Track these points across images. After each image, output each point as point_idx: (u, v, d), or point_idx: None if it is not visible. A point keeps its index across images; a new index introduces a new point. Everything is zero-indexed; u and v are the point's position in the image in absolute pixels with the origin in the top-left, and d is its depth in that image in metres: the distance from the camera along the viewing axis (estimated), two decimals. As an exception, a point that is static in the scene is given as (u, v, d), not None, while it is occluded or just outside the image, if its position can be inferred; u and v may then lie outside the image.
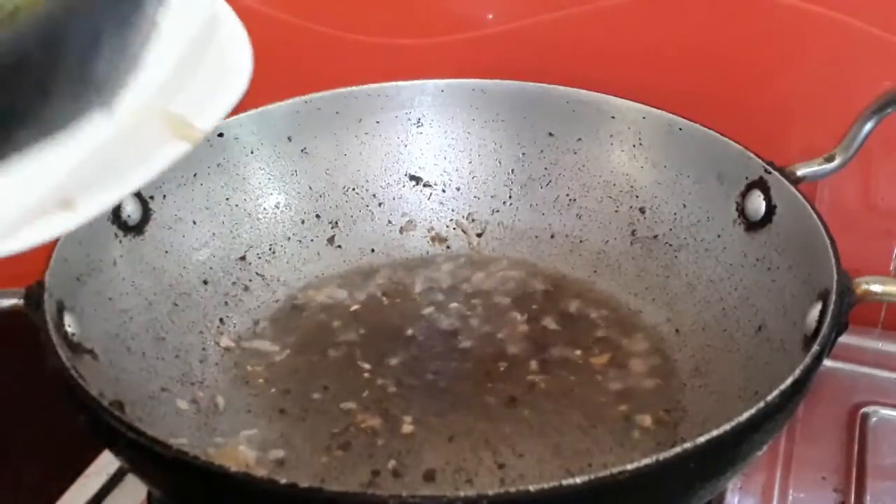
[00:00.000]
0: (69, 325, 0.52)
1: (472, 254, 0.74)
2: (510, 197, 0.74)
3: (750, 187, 0.62)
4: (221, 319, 0.66)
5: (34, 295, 0.50)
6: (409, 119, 0.74)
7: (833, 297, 0.50)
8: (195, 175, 0.67)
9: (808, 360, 0.46)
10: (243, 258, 0.69)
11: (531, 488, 0.39)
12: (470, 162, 0.75)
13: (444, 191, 0.75)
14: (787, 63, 0.71)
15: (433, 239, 0.75)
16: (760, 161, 0.61)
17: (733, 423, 0.42)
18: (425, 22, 0.80)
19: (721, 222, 0.65)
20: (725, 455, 0.44)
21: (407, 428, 0.58)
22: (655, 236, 0.69)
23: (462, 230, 0.75)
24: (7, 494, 0.64)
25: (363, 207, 0.74)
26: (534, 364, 0.63)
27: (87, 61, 0.34)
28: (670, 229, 0.68)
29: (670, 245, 0.68)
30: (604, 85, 0.70)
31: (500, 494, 0.39)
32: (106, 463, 0.63)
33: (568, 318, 0.67)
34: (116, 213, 0.60)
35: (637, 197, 0.70)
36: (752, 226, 0.62)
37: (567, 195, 0.73)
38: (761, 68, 0.72)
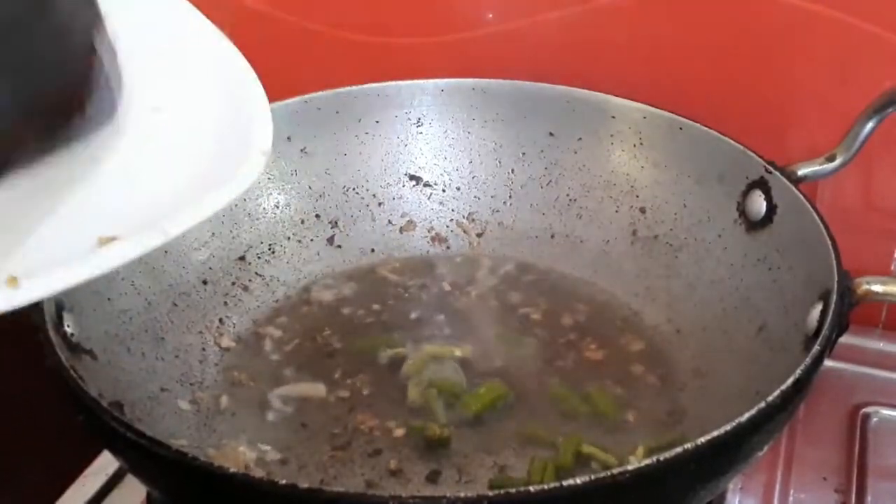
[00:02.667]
0: (68, 325, 0.51)
1: (472, 254, 0.74)
2: (510, 197, 0.74)
3: (751, 187, 0.62)
4: (221, 319, 0.66)
5: (33, 295, 0.50)
6: (409, 119, 0.74)
7: (834, 297, 0.50)
8: (195, 175, 0.67)
9: (808, 360, 0.46)
10: (243, 258, 0.69)
11: (531, 488, 0.39)
12: (470, 162, 0.75)
13: (444, 191, 0.75)
14: (787, 63, 0.71)
15: (433, 239, 0.75)
16: (761, 161, 0.61)
17: (734, 424, 0.42)
18: (425, 22, 0.80)
19: (722, 222, 0.65)
20: (726, 455, 0.44)
21: (408, 428, 0.58)
22: (656, 236, 0.69)
23: (462, 230, 0.75)
24: (7, 494, 0.64)
25: (363, 207, 0.74)
26: (533, 364, 0.63)
27: None
28: (671, 229, 0.68)
29: (671, 245, 0.68)
30: (604, 84, 0.70)
31: (500, 494, 0.39)
32: (106, 463, 0.63)
33: (568, 319, 0.67)
34: (116, 213, 0.60)
35: (637, 197, 0.70)
36: (753, 226, 0.62)
37: (567, 195, 0.73)
38: (762, 68, 0.72)
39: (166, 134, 0.43)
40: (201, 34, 0.46)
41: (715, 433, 0.41)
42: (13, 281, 0.34)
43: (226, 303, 0.67)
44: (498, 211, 0.74)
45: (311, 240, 0.72)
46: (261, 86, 0.44)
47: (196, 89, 0.45)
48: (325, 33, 0.81)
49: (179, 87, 0.45)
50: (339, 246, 0.73)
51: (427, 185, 0.75)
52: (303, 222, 0.72)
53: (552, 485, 0.39)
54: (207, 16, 0.47)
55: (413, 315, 0.68)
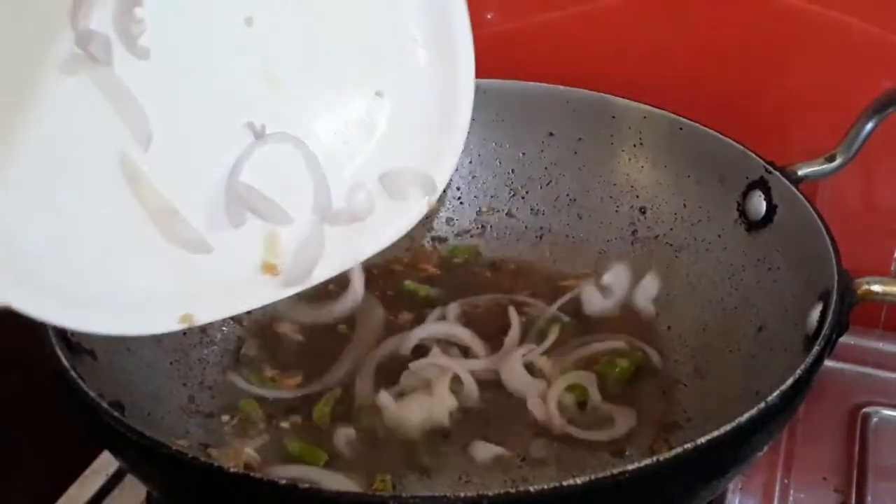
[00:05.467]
0: (68, 326, 0.51)
1: (472, 254, 0.74)
2: (510, 197, 0.74)
3: (751, 187, 0.62)
4: (221, 319, 0.66)
5: (34, 295, 0.50)
6: (409, 119, 0.74)
7: (834, 298, 0.50)
8: (195, 175, 0.67)
9: (808, 360, 0.46)
10: (243, 258, 0.69)
11: (531, 488, 0.39)
12: (470, 162, 0.75)
13: (444, 191, 0.75)
14: (787, 63, 0.71)
15: (433, 239, 0.75)
16: (761, 161, 0.61)
17: (734, 424, 0.42)
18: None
19: (722, 222, 0.65)
20: (726, 455, 0.44)
21: (407, 427, 0.58)
22: (656, 236, 0.69)
23: (462, 230, 0.75)
24: (7, 494, 0.64)
25: (363, 207, 0.73)
26: (534, 363, 0.63)
27: None
28: (671, 229, 0.68)
29: (671, 245, 0.68)
30: (604, 85, 0.70)
31: (500, 495, 0.39)
32: (106, 463, 0.63)
33: (567, 319, 0.67)
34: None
35: (637, 197, 0.70)
36: (753, 226, 0.62)
37: (567, 195, 0.73)
38: (762, 68, 0.72)
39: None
40: None
41: (715, 433, 0.41)
42: (187, 318, 0.42)
43: (226, 303, 0.67)
44: (498, 211, 0.74)
45: (311, 240, 0.72)
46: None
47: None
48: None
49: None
50: (339, 246, 0.73)
51: (427, 185, 0.75)
52: (303, 222, 0.72)
53: (552, 485, 0.39)
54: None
55: (414, 314, 0.67)
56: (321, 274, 0.48)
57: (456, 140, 0.51)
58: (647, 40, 0.74)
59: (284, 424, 0.59)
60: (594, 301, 0.68)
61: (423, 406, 0.59)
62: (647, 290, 0.68)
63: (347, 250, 0.49)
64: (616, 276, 0.69)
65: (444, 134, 0.51)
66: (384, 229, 0.50)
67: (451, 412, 0.59)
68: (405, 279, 0.71)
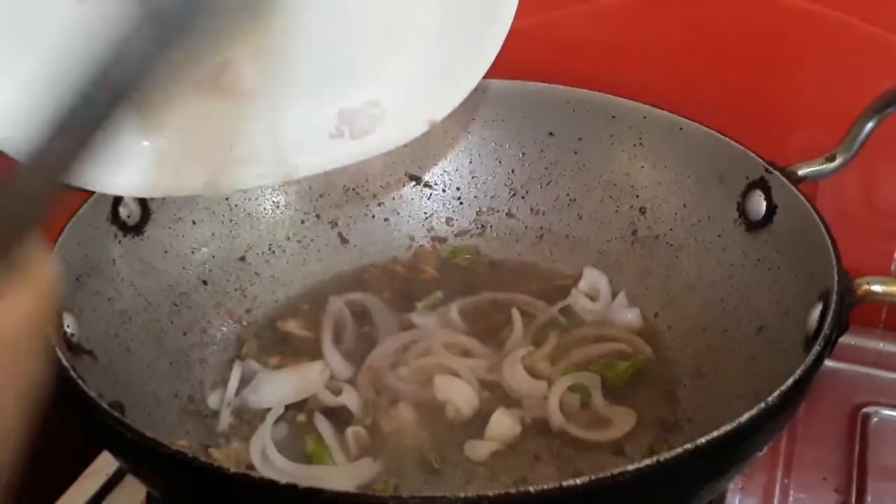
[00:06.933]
0: (68, 326, 0.52)
1: (472, 254, 0.74)
2: (510, 197, 0.74)
3: (751, 187, 0.62)
4: (221, 320, 0.66)
5: (34, 295, 0.50)
6: (409, 119, 0.74)
7: (834, 298, 0.50)
8: (195, 175, 0.67)
9: (808, 360, 0.46)
10: (243, 258, 0.69)
11: (531, 488, 0.39)
12: (470, 162, 0.75)
13: (444, 191, 0.75)
14: (788, 63, 0.71)
15: (433, 239, 0.75)
16: (761, 161, 0.61)
17: (734, 424, 0.42)
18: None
19: (722, 222, 0.65)
20: (726, 455, 0.44)
21: (407, 427, 0.58)
22: (656, 236, 0.69)
23: (462, 230, 0.75)
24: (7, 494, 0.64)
25: (363, 207, 0.74)
26: (535, 364, 0.63)
27: None
28: (671, 229, 0.68)
29: (671, 245, 0.68)
30: (604, 84, 0.70)
31: (500, 494, 0.39)
32: (106, 463, 0.63)
33: (567, 319, 0.67)
34: (115, 213, 0.60)
35: (637, 197, 0.70)
36: (753, 226, 0.62)
37: (567, 195, 0.73)
38: (763, 68, 0.72)
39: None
40: None
41: (715, 433, 0.41)
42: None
43: (226, 303, 0.67)
44: (498, 211, 0.74)
45: (311, 240, 0.72)
46: None
47: None
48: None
49: None
50: (340, 246, 0.73)
51: (427, 185, 0.75)
52: (303, 222, 0.72)
53: (552, 485, 0.39)
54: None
55: (414, 315, 0.68)
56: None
57: (478, 69, 0.52)
58: (646, 40, 0.74)
59: (285, 423, 0.59)
60: (586, 305, 0.68)
61: (423, 405, 0.59)
62: (623, 306, 0.68)
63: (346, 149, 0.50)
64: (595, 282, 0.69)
65: (468, 60, 0.52)
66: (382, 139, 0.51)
67: (455, 411, 0.59)
68: (406, 281, 0.71)
